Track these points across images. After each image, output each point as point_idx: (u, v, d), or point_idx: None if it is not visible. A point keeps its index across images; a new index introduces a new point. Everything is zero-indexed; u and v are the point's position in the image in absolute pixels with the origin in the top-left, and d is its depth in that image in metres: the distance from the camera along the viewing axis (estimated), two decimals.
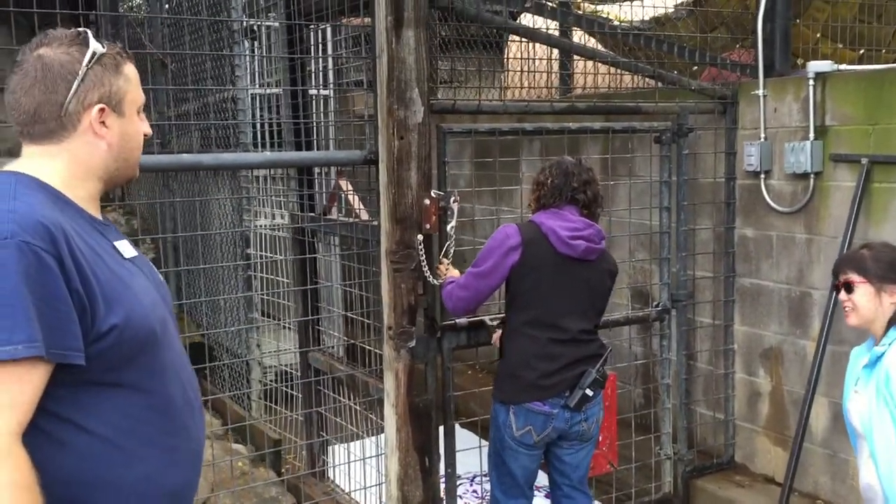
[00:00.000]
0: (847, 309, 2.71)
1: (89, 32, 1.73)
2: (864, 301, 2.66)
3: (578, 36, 5.83)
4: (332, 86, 5.34)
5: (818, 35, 5.39)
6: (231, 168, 4.78)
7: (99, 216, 1.78)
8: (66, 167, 1.70)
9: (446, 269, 3.49)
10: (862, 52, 5.47)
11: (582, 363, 3.27)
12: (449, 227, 3.45)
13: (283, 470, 4.92)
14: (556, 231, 3.23)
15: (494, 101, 4.13)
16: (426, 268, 3.46)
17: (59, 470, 1.58)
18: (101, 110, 1.71)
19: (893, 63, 5.35)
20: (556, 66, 6.21)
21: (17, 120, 1.71)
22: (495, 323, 3.65)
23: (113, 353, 1.62)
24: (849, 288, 2.69)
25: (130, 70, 1.78)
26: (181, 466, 1.79)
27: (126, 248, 1.79)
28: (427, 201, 3.43)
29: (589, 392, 3.23)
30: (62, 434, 1.59)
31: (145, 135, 1.85)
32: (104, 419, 1.63)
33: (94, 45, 1.71)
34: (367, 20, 3.60)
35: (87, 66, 1.69)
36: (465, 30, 5.76)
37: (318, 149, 4.76)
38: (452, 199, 3.43)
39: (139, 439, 1.68)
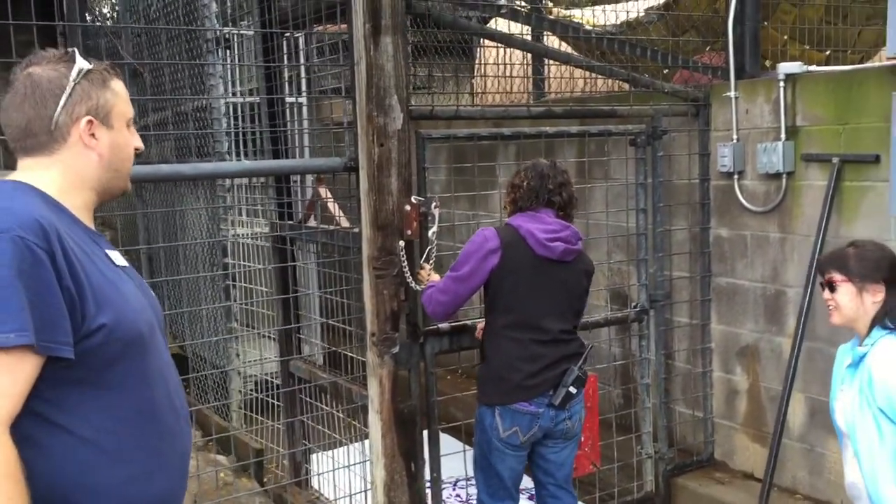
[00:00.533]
0: (830, 307, 2.71)
1: (76, 51, 1.81)
2: (846, 300, 2.65)
3: (550, 41, 5.88)
4: (305, 93, 5.34)
5: (786, 37, 5.49)
6: (210, 177, 4.76)
7: (92, 227, 1.84)
8: (60, 177, 1.77)
9: (428, 275, 3.51)
10: (828, 52, 5.58)
11: (564, 362, 3.31)
12: (430, 233, 3.47)
13: (265, 480, 4.90)
14: (534, 233, 3.26)
15: (472, 106, 4.15)
16: (408, 274, 3.47)
17: (41, 472, 1.61)
18: (90, 122, 1.78)
19: (860, 63, 5.47)
20: (527, 70, 6.26)
21: (11, 136, 1.78)
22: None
23: (101, 353, 1.65)
24: (831, 287, 2.68)
25: (118, 85, 1.86)
26: (167, 472, 1.80)
27: (117, 258, 1.84)
28: (408, 207, 3.45)
29: (572, 389, 3.27)
30: (43, 436, 1.62)
31: (137, 149, 1.91)
32: (88, 421, 1.66)
33: (81, 62, 1.79)
34: (344, 27, 3.60)
35: (74, 80, 1.76)
36: (436, 36, 5.79)
37: (295, 156, 4.75)
38: (433, 204, 3.45)
39: (123, 442, 1.70)
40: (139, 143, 1.91)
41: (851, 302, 2.64)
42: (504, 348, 3.30)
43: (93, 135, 1.78)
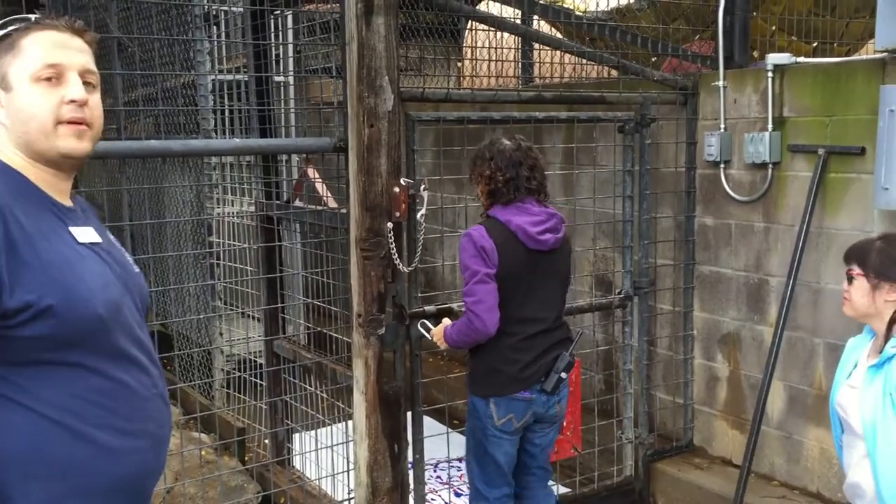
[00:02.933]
0: (844, 298, 2.61)
1: None
2: (858, 296, 2.54)
3: (537, 26, 5.86)
4: (293, 72, 5.29)
5: (773, 28, 5.51)
6: (200, 154, 4.72)
7: (65, 202, 1.79)
8: (6, 151, 1.73)
9: (441, 330, 3.45)
10: (815, 44, 5.61)
11: (555, 348, 3.32)
12: (419, 215, 3.46)
13: (246, 458, 4.90)
14: (524, 229, 3.21)
15: (462, 89, 4.13)
16: (396, 255, 3.46)
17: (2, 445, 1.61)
18: None
19: (846, 56, 5.50)
20: (515, 55, 6.23)
21: None
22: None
23: (49, 331, 1.62)
24: (849, 278, 2.57)
25: (29, 40, 1.72)
26: (136, 452, 1.78)
27: (84, 235, 1.77)
28: (397, 189, 3.43)
29: (563, 375, 3.29)
30: (3, 410, 1.62)
31: (73, 100, 1.71)
32: (47, 399, 1.64)
33: None
34: (336, 6, 3.58)
35: None
36: (422, 17, 5.75)
37: (282, 136, 4.72)
38: (422, 186, 3.44)
39: (86, 420, 1.68)
40: (73, 94, 1.71)
41: (863, 298, 2.54)
42: (498, 341, 3.26)
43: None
